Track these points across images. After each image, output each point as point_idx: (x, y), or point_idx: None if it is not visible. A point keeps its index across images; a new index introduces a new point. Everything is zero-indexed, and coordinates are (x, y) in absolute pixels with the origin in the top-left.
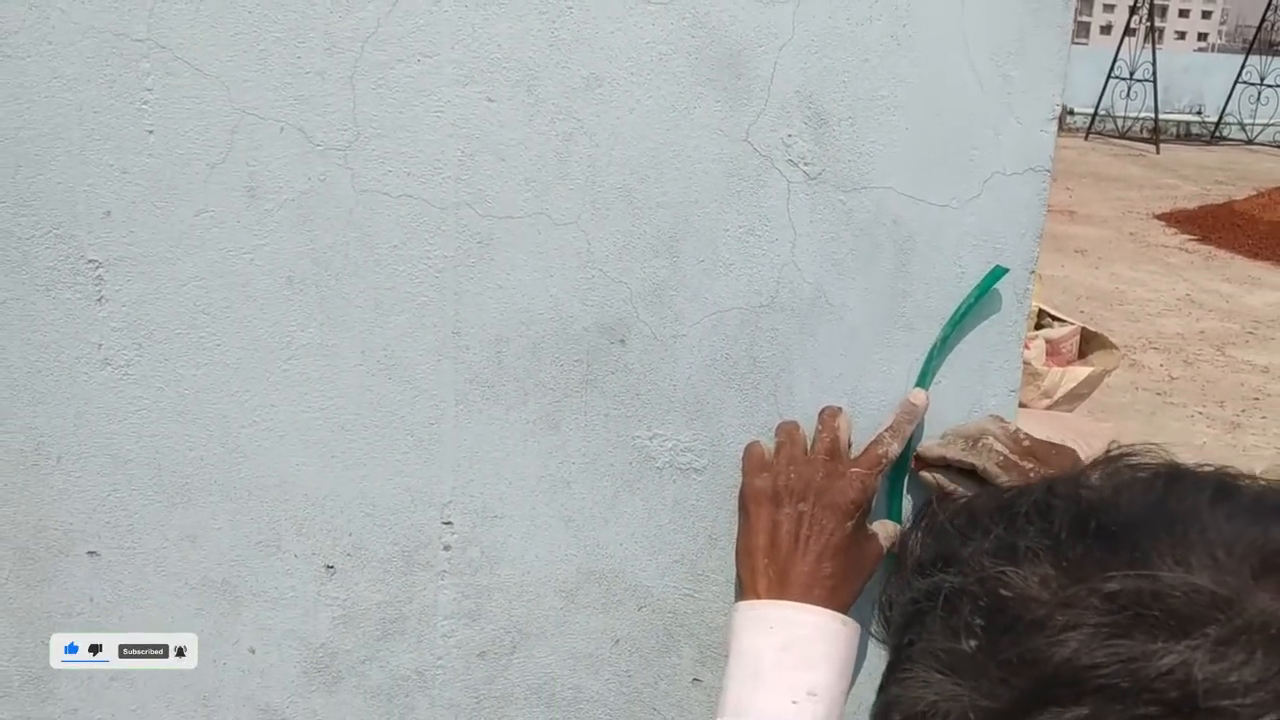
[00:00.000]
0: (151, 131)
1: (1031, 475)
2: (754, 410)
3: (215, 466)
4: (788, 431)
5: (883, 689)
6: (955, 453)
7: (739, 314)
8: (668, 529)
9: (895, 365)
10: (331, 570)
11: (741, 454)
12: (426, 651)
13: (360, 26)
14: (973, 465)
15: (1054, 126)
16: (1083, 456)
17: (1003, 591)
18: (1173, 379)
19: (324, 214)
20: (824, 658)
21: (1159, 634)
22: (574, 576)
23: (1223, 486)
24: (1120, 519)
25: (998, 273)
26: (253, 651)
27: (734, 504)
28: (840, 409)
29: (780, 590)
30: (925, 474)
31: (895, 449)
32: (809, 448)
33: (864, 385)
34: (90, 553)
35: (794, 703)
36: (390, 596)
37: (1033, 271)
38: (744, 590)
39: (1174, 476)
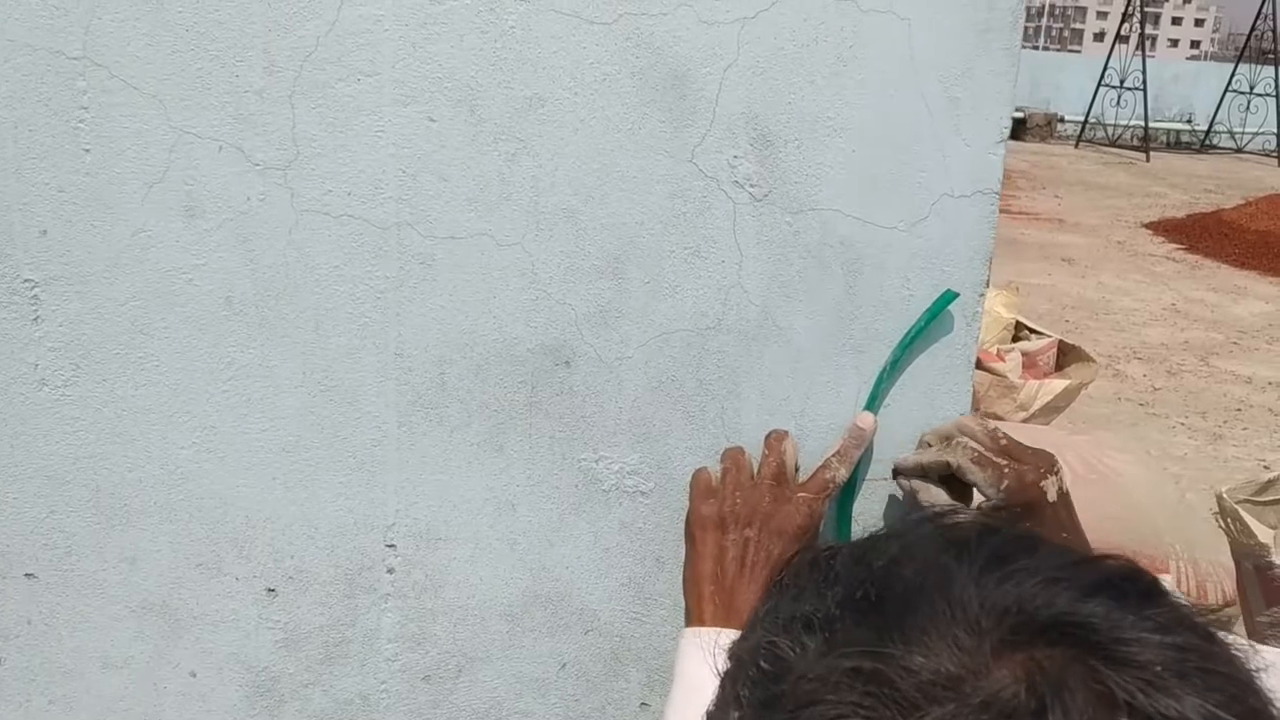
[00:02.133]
0: (88, 150)
1: (1006, 472)
2: (701, 433)
3: (154, 488)
4: (733, 457)
5: None
6: (930, 456)
7: (685, 336)
8: (615, 552)
9: (843, 387)
10: (273, 593)
11: (689, 479)
12: (370, 675)
13: (299, 45)
14: (946, 463)
15: (1002, 149)
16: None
17: (767, 664)
18: (1155, 389)
19: (263, 234)
20: None
21: (891, 712)
22: (520, 600)
23: (1001, 553)
24: (894, 591)
25: (948, 297)
26: (194, 675)
27: (681, 527)
28: (786, 433)
29: (726, 617)
30: (900, 481)
31: (843, 474)
32: (755, 473)
33: (811, 408)
34: (28, 575)
35: None
36: (333, 620)
37: (982, 295)
38: (691, 617)
39: (961, 544)
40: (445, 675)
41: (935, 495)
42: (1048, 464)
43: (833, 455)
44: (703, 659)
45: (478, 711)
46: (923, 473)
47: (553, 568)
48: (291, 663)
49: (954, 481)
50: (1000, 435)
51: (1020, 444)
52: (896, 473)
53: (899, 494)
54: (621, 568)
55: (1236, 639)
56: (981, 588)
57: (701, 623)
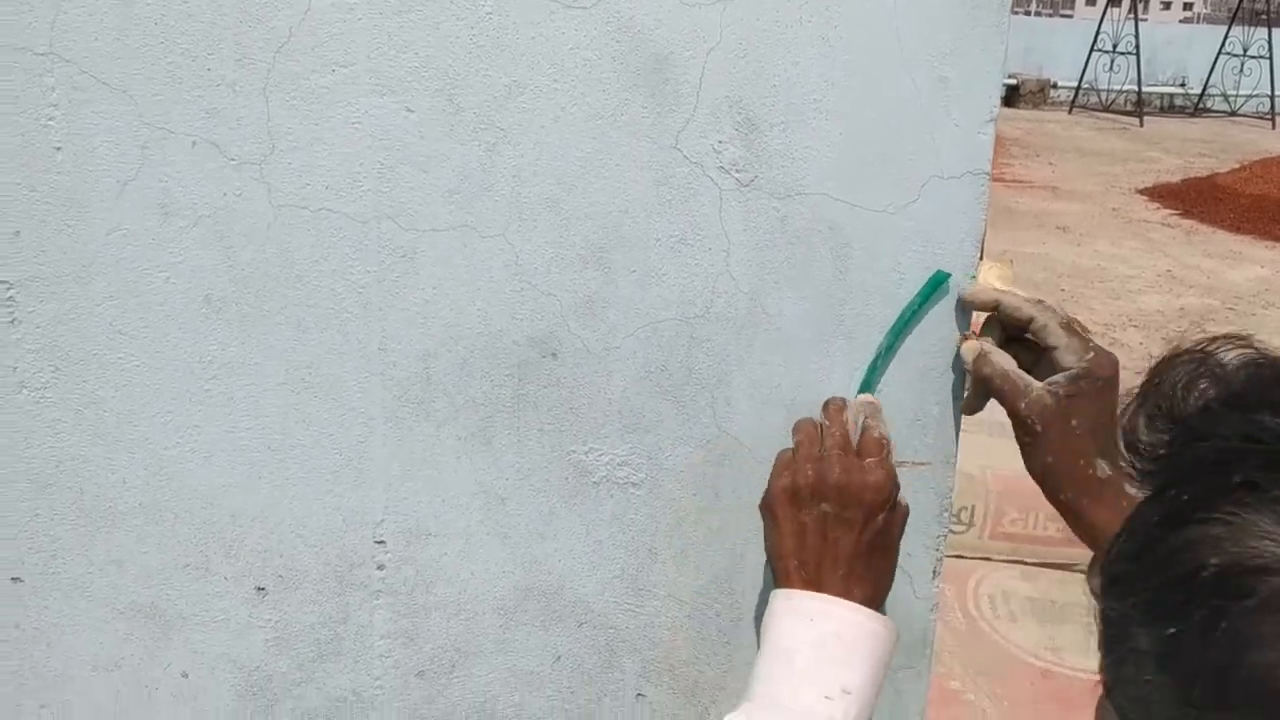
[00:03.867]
0: (59, 148)
1: (1090, 344)
2: (691, 423)
3: (139, 489)
4: (804, 430)
5: (1171, 525)
6: (1012, 299)
7: (673, 325)
8: (607, 544)
9: (834, 374)
10: (263, 592)
11: (680, 469)
12: (364, 672)
13: (272, 36)
14: (1031, 318)
15: (992, 128)
16: None
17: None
18: (1152, 357)
19: (241, 230)
20: (863, 657)
21: None
22: (512, 593)
23: None
24: None
25: (939, 278)
26: (185, 676)
27: (673, 518)
28: (844, 401)
29: (818, 585)
30: (970, 343)
31: (885, 430)
32: (822, 445)
33: (803, 395)
34: (14, 579)
35: (827, 698)
36: (324, 617)
37: (973, 277)
38: (780, 582)
39: None
40: (439, 671)
41: (1001, 360)
42: (1110, 362)
43: (865, 419)
44: (794, 622)
45: (472, 706)
46: (993, 317)
47: (544, 561)
48: (284, 661)
49: (1016, 346)
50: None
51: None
52: (965, 302)
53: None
54: (614, 559)
55: None
56: None
57: (791, 586)
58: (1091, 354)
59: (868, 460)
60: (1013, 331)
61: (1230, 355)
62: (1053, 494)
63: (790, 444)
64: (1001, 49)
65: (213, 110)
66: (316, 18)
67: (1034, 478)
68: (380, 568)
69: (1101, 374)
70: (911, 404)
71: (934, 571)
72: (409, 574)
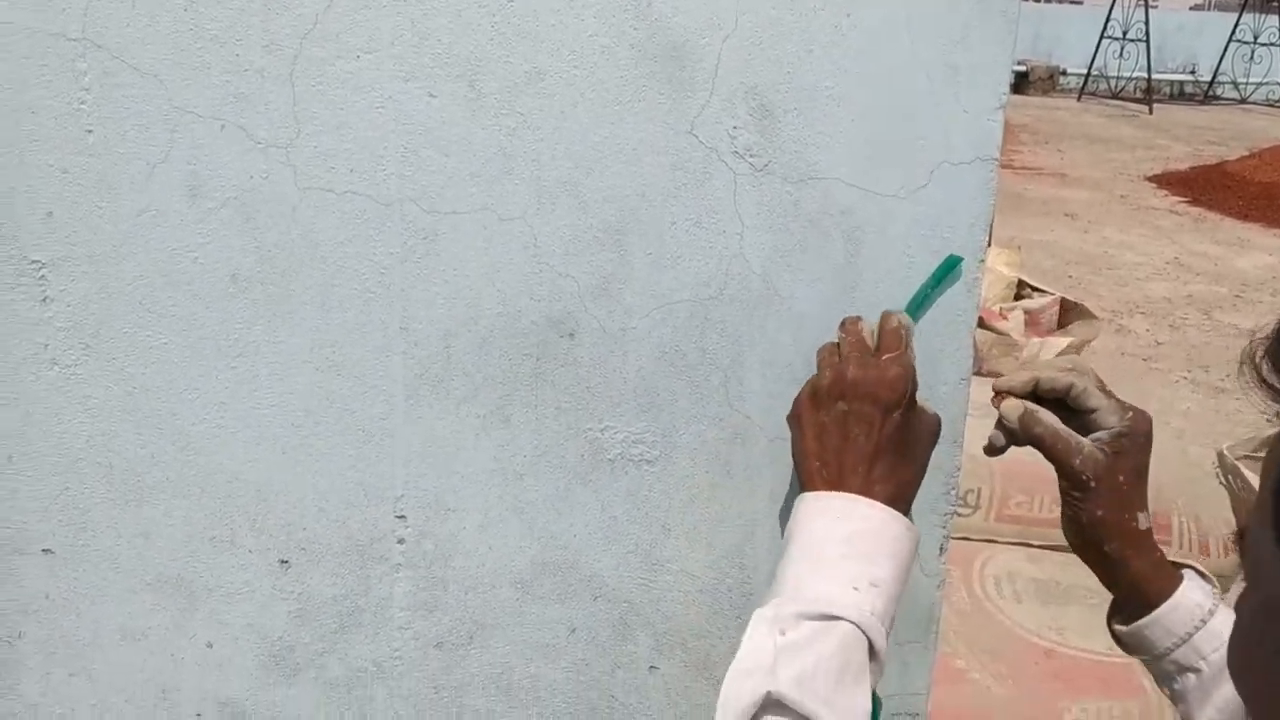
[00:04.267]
0: (90, 131)
1: (1124, 404)
2: (704, 401)
3: (167, 464)
4: (827, 346)
5: None
6: (1050, 374)
7: (688, 306)
8: (621, 520)
9: None
10: (286, 565)
11: (694, 447)
12: (384, 643)
13: (298, 23)
14: (1070, 385)
15: (1001, 115)
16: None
17: None
18: (1158, 344)
19: (267, 212)
20: (888, 555)
21: None
22: (529, 568)
23: None
24: None
25: (952, 261)
26: (210, 646)
27: (687, 494)
28: (859, 317)
29: (840, 485)
30: (1010, 402)
31: (905, 318)
32: (838, 350)
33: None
34: (45, 550)
35: (855, 589)
36: (346, 590)
37: (982, 260)
38: (805, 486)
39: None
40: (457, 642)
41: (1049, 418)
42: (1146, 421)
43: (882, 313)
44: (822, 518)
45: (490, 677)
46: (1033, 394)
47: (560, 536)
48: (306, 632)
49: (1062, 409)
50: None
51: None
52: (998, 394)
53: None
54: (628, 535)
55: None
56: None
57: (815, 489)
58: (1130, 413)
59: (885, 356)
60: (1048, 396)
61: None
62: (1098, 545)
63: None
64: (1011, 37)
65: (240, 95)
66: (342, 5)
67: (1076, 530)
68: (400, 542)
69: (1141, 430)
70: (920, 390)
71: (941, 548)
72: (428, 548)
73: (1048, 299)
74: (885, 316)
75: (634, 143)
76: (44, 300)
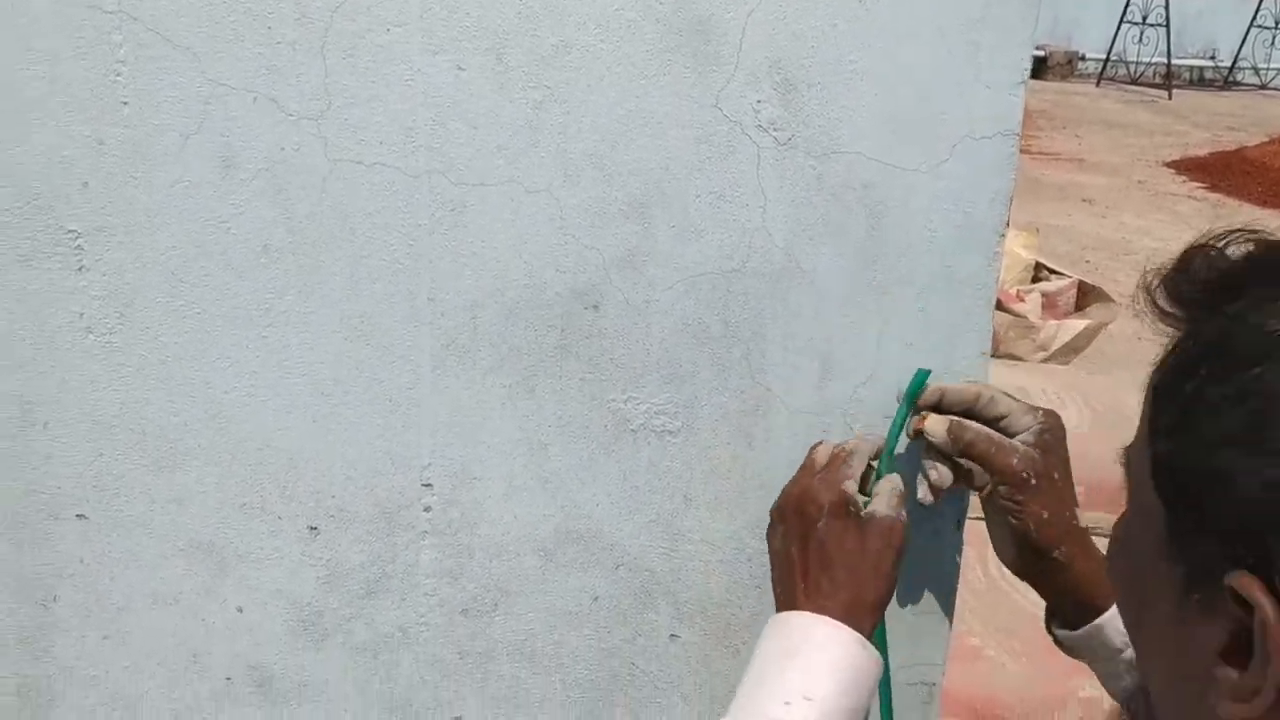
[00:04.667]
0: (126, 103)
1: (1034, 407)
2: (727, 373)
3: (199, 431)
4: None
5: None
6: (956, 384)
7: (711, 279)
8: (644, 490)
9: (866, 328)
10: (315, 531)
11: (715, 417)
12: (410, 609)
13: None
14: (978, 394)
15: (1022, 90)
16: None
17: None
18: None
19: (298, 183)
20: (829, 668)
21: None
22: (552, 536)
23: None
24: None
25: (921, 376)
26: (240, 610)
27: (708, 465)
28: (821, 442)
29: (791, 605)
30: (932, 419)
31: (858, 433)
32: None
33: (835, 348)
34: (79, 516)
35: (786, 704)
36: (373, 556)
37: (1001, 235)
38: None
39: None
40: (482, 609)
41: (978, 425)
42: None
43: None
44: (767, 637)
45: (513, 643)
46: (939, 408)
47: (584, 505)
48: (334, 598)
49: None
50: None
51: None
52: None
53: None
54: (650, 505)
55: None
56: None
57: (776, 611)
58: (1040, 411)
59: (817, 475)
60: (957, 409)
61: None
62: (1046, 552)
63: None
64: (1033, 13)
65: (272, 67)
66: None
67: (1020, 540)
68: (427, 509)
69: (1058, 424)
70: (940, 358)
71: (958, 523)
72: (454, 516)
73: (1065, 281)
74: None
75: (659, 116)
76: (80, 269)
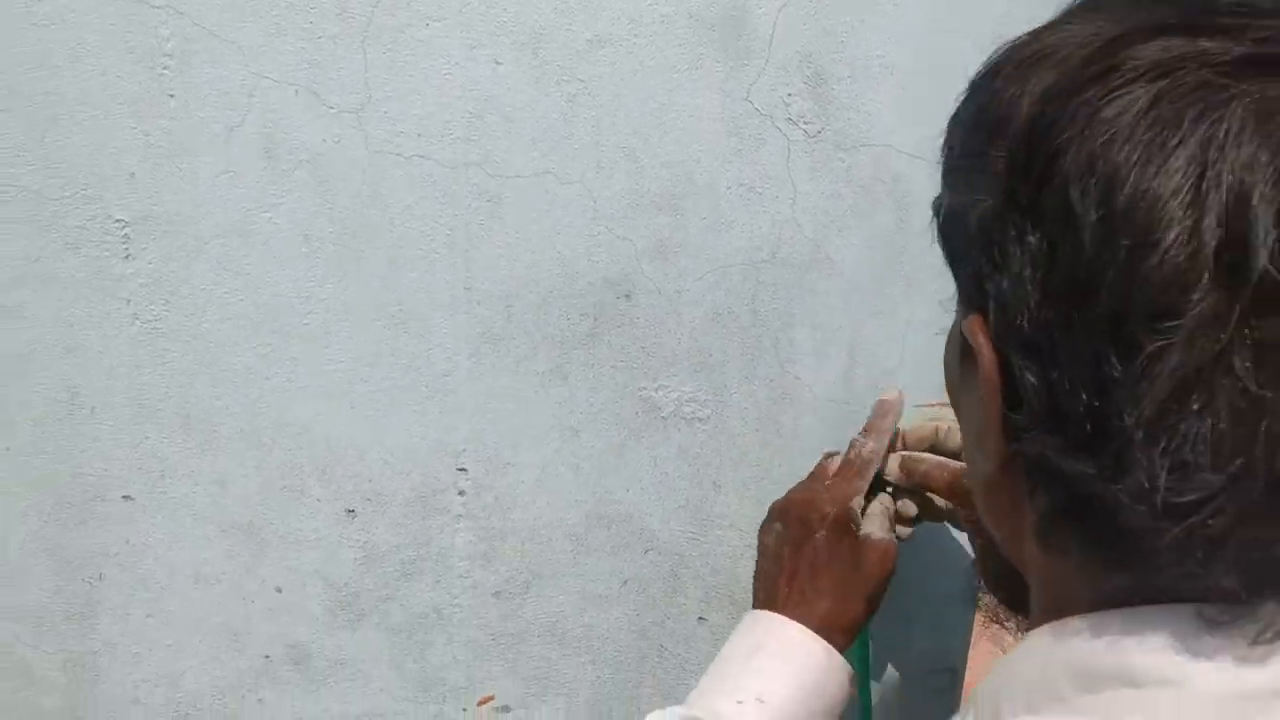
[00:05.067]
0: (172, 96)
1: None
2: (756, 362)
3: (240, 416)
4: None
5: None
6: (915, 421)
7: (740, 269)
8: (673, 476)
9: (894, 318)
10: (353, 514)
11: (744, 405)
12: (444, 591)
13: None
14: (935, 428)
15: None
16: None
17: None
18: None
19: (339, 174)
20: (788, 672)
21: None
22: (584, 521)
23: None
24: None
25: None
26: (280, 591)
27: (737, 452)
28: (836, 452)
29: (768, 604)
30: (891, 454)
31: (871, 447)
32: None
33: (862, 337)
34: (125, 497)
35: (739, 703)
36: (409, 539)
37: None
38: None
39: None
40: (514, 591)
41: (929, 455)
42: None
43: (859, 434)
44: (735, 634)
45: (544, 625)
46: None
47: (614, 491)
48: (370, 579)
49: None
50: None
51: None
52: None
53: None
54: (680, 491)
55: None
56: None
57: (751, 607)
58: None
59: (829, 481)
60: (918, 446)
61: None
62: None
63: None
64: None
65: (314, 61)
66: None
67: (988, 555)
68: (461, 494)
69: None
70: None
71: None
72: (488, 500)
73: None
74: (852, 445)
75: (691, 109)
76: (127, 257)
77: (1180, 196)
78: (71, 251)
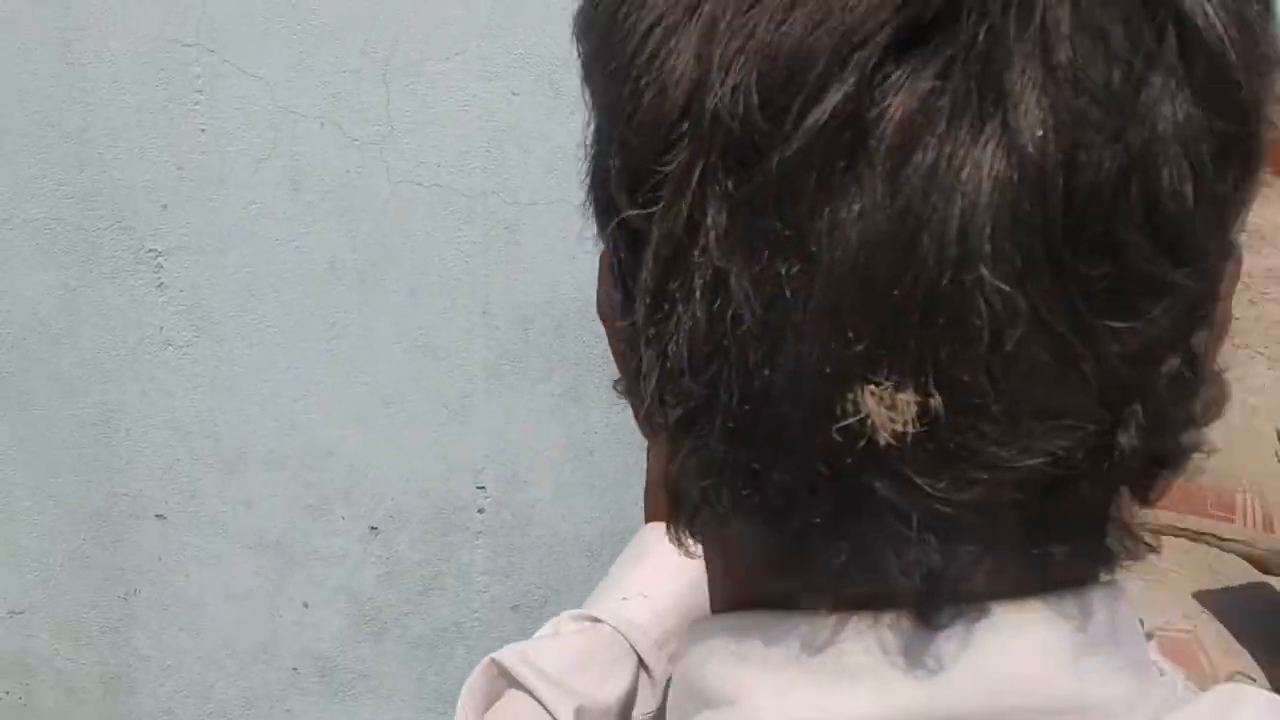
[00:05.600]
0: (203, 130)
1: None
2: None
3: (268, 438)
4: None
5: None
6: None
7: None
8: None
9: None
10: (376, 531)
11: None
12: (464, 605)
13: (391, 27)
14: None
15: None
16: None
17: None
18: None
19: (361, 204)
20: (676, 569)
21: None
22: (598, 537)
23: None
24: None
25: None
26: (306, 606)
27: None
28: None
29: (659, 517)
30: None
31: None
32: None
33: None
34: (158, 516)
35: (623, 599)
36: (430, 555)
37: None
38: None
39: None
40: (532, 605)
41: None
42: None
43: None
44: (631, 545)
45: None
46: None
47: (628, 508)
48: (393, 594)
49: None
50: None
51: None
52: None
53: None
54: None
55: None
56: None
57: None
58: None
59: None
60: None
61: None
62: None
63: None
64: None
65: (338, 95)
66: (431, 10)
67: None
68: (480, 511)
69: None
70: None
71: None
72: (506, 517)
73: None
74: None
75: None
76: (160, 286)
77: (654, 33)
78: (109, 281)
